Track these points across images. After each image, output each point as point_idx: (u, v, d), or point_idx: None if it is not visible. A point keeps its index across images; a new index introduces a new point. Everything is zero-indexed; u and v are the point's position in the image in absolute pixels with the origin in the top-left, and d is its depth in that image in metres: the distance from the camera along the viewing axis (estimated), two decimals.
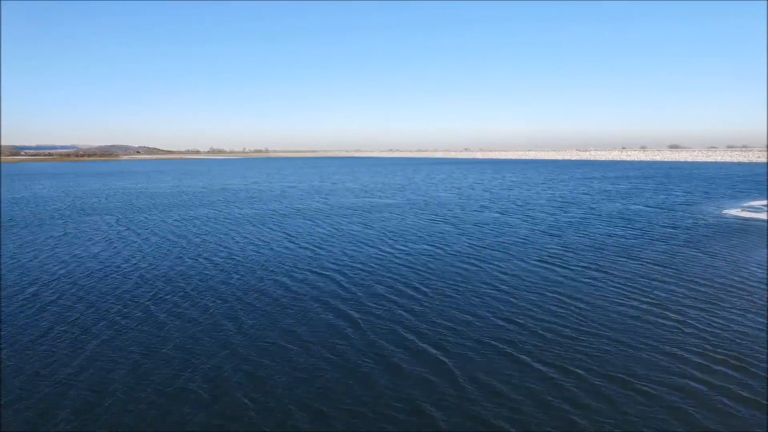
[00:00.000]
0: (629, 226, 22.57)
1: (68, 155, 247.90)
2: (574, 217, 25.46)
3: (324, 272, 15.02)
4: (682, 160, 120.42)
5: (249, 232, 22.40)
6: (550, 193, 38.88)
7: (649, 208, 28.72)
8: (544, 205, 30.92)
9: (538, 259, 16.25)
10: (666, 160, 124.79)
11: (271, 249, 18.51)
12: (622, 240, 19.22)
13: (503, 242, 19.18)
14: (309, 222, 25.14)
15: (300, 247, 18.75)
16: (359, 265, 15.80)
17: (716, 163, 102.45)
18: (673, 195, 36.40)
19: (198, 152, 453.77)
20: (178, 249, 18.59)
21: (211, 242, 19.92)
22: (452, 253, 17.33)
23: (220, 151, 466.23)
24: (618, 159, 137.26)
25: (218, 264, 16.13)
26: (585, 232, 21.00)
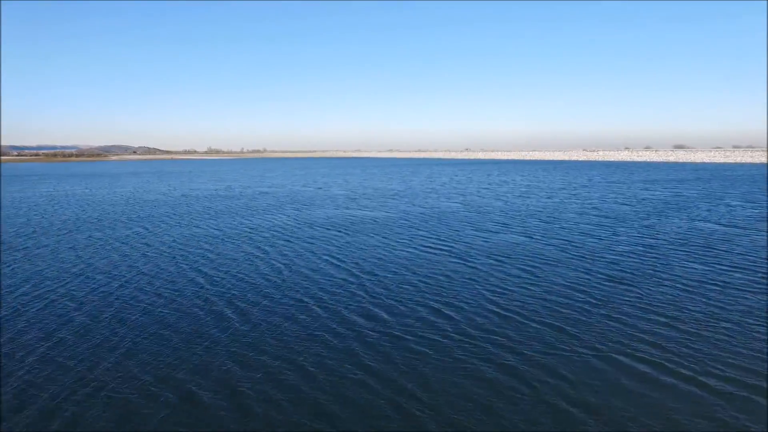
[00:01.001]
0: (728, 262, 15.07)
1: (55, 155, 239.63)
2: (633, 244, 17.98)
3: (228, 386, 7.55)
4: (698, 161, 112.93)
5: (155, 273, 14.91)
6: (578, 203, 31.41)
7: (725, 228, 21.24)
8: (579, 222, 23.44)
9: (620, 349, 8.79)
10: (679, 161, 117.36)
11: (168, 310, 11.04)
12: (751, 297, 11.70)
13: (546, 299, 11.71)
14: (255, 252, 17.66)
15: (215, 310, 11.28)
16: (299, 361, 8.35)
17: (736, 164, 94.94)
18: (735, 205, 28.92)
19: (195, 152, 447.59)
20: (27, 312, 11.10)
21: (84, 293, 12.43)
22: (466, 332, 9.86)
23: (217, 152, 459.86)
24: (628, 159, 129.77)
25: (56, 354, 8.65)
26: (671, 277, 13.51)
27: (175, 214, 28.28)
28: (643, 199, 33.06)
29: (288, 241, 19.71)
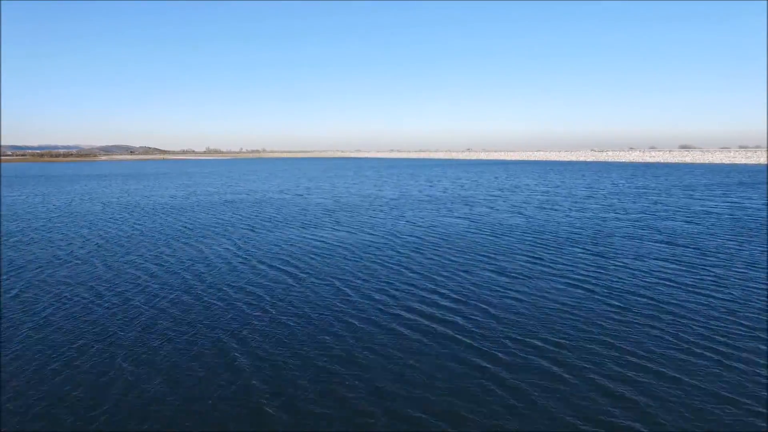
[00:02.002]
0: None
1: (42, 155, 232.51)
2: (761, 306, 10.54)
3: None
4: (716, 161, 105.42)
5: None
6: (620, 218, 23.97)
7: None
8: (644, 254, 16.02)
9: None
10: (696, 161, 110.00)
11: None
12: None
13: None
14: (124, 319, 10.19)
15: None
16: None
17: (758, 165, 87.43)
18: None
19: (193, 152, 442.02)
20: None
21: None
22: None
23: (216, 152, 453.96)
24: (640, 161, 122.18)
25: None
26: None
27: (74, 238, 20.87)
28: (703, 213, 25.59)
29: (199, 294, 12.28)
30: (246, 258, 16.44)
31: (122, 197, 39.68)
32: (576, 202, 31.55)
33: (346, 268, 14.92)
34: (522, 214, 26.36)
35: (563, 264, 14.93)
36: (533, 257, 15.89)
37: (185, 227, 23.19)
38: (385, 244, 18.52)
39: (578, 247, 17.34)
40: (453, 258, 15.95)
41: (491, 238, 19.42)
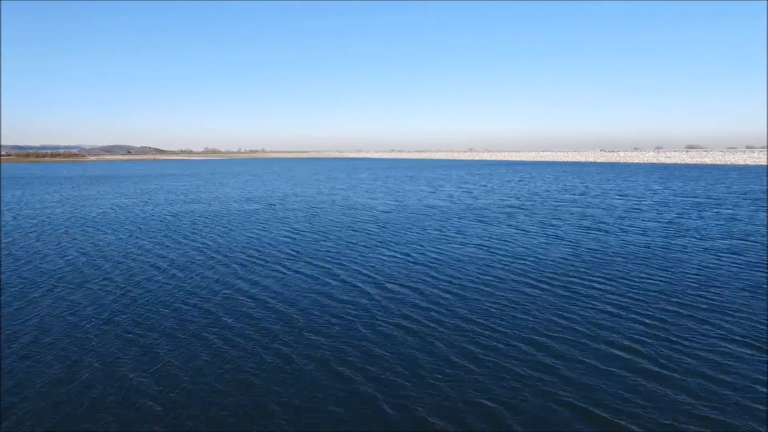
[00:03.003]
0: None
1: (27, 155, 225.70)
2: None
3: None
4: (741, 163, 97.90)
5: None
6: (705, 246, 16.56)
7: None
8: None
9: None
10: (716, 163, 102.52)
11: None
12: None
13: None
14: None
15: None
16: None
17: None
18: None
19: (191, 152, 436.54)
20: None
21: None
22: None
23: (214, 151, 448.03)
24: (655, 162, 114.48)
25: None
26: None
27: None
28: None
29: None
30: (103, 335, 9.05)
31: (52, 208, 32.26)
32: (622, 218, 24.09)
33: (276, 368, 7.55)
34: (560, 238, 18.91)
35: (692, 372, 7.50)
36: (622, 346, 8.46)
37: (72, 262, 15.80)
38: (356, 305, 11.08)
39: (688, 316, 9.90)
40: (473, 342, 8.54)
41: (530, 291, 11.96)
